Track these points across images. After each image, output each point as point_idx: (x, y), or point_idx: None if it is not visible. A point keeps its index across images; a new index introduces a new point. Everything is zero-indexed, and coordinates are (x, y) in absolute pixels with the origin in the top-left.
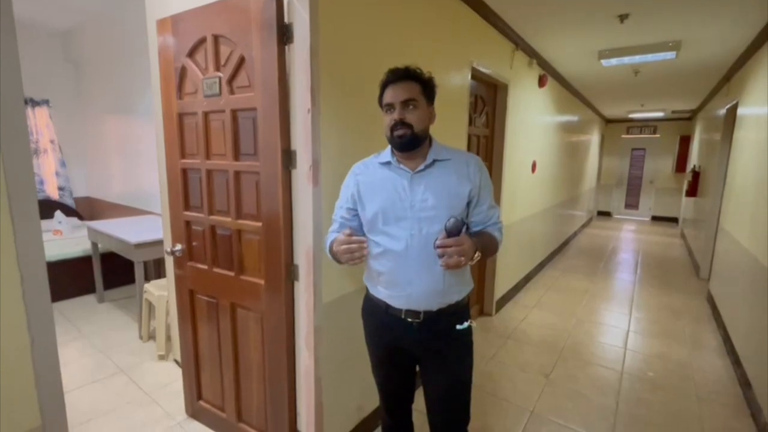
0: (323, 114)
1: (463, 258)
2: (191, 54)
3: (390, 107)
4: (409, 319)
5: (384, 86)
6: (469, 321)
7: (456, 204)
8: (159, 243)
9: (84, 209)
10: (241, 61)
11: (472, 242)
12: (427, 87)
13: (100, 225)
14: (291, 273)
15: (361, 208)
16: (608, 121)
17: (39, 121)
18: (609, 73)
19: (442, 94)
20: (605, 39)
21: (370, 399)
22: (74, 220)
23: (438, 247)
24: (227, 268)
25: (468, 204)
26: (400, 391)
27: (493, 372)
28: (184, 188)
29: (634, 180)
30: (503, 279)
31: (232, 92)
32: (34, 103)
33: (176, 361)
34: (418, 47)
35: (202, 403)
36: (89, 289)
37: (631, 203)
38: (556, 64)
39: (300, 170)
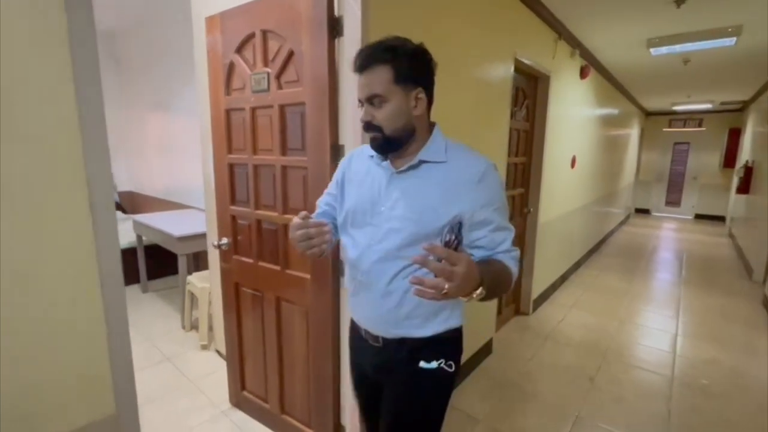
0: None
1: (448, 285)
2: (239, 50)
3: (360, 103)
4: (370, 341)
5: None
6: (440, 361)
7: (429, 221)
8: (200, 236)
9: (127, 203)
10: (290, 55)
11: (474, 270)
12: (402, 69)
13: (145, 218)
14: (338, 268)
15: (341, 200)
16: (649, 114)
17: None
18: (656, 62)
19: (484, 87)
20: (657, 25)
21: None
22: (119, 214)
23: (415, 261)
24: (273, 262)
25: (460, 224)
26: (369, 403)
27: (533, 372)
28: (230, 183)
29: (676, 176)
30: (540, 277)
31: (280, 87)
32: None
33: (218, 352)
34: (463, 38)
35: (245, 393)
36: (134, 279)
37: (673, 200)
38: (599, 53)
39: None
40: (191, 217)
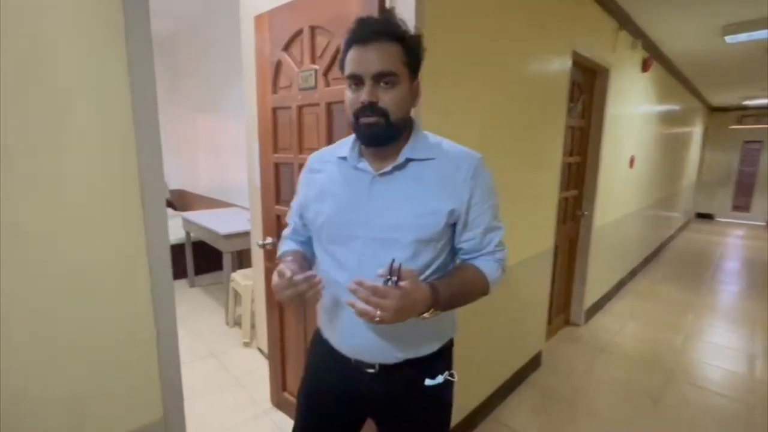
0: (423, 104)
1: (379, 313)
2: (287, 47)
3: (356, 80)
4: (361, 369)
5: (348, 45)
6: (444, 374)
7: (428, 224)
8: (245, 234)
9: (177, 200)
10: (338, 51)
11: (411, 300)
12: (413, 51)
13: (193, 216)
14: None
15: (308, 216)
16: (713, 110)
17: None
18: (731, 51)
19: (540, 81)
20: (735, 10)
21: (471, 397)
22: (169, 211)
23: (351, 289)
24: None
25: (454, 225)
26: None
27: (587, 388)
28: (275, 183)
29: (746, 177)
30: (593, 286)
31: (327, 84)
32: None
33: (260, 350)
34: (519, 30)
35: (286, 394)
36: (181, 274)
37: (741, 205)
38: (664, 44)
39: None
40: (236, 216)
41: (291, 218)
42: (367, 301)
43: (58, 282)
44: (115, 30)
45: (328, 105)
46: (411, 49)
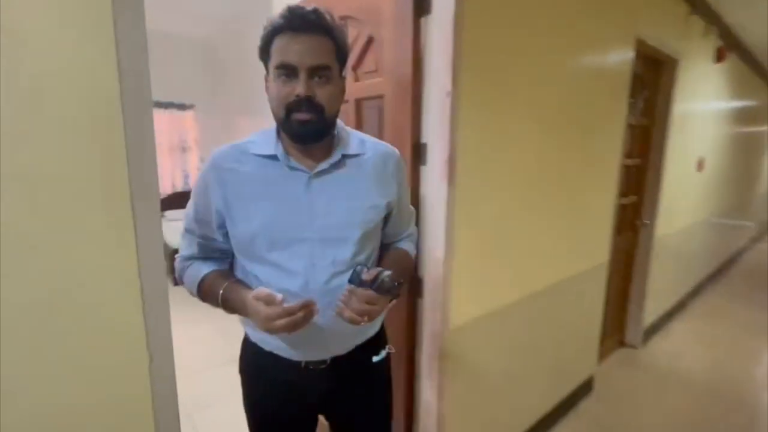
0: (462, 100)
1: (367, 318)
2: None
3: (288, 71)
4: (312, 367)
5: (275, 32)
6: (386, 348)
7: (372, 218)
8: None
9: None
10: (369, 42)
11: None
12: (342, 47)
13: None
14: (414, 287)
15: (232, 225)
16: None
17: (186, 122)
18: None
19: (597, 76)
20: None
21: (514, 425)
22: None
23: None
24: None
25: (388, 215)
26: None
27: (646, 420)
28: None
29: None
30: (653, 304)
31: (357, 79)
32: (183, 107)
33: None
34: (571, 16)
35: None
36: None
37: None
38: (743, 29)
39: (432, 166)
40: None
41: (194, 231)
42: (360, 312)
43: (26, 301)
44: (99, 6)
45: (358, 102)
46: (340, 43)
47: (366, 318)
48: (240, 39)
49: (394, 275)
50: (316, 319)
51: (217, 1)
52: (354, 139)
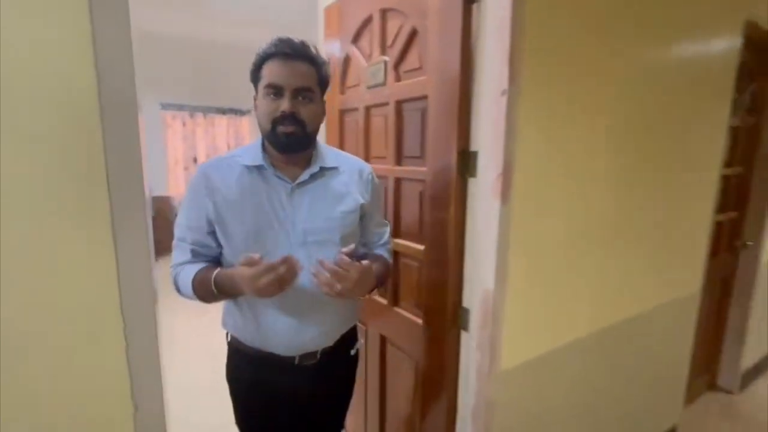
0: (521, 100)
1: (340, 286)
2: (356, 39)
3: (275, 90)
4: (305, 363)
5: (267, 57)
6: (358, 343)
7: (349, 223)
8: None
9: None
10: (412, 36)
11: (369, 275)
12: (323, 74)
13: None
14: (458, 319)
15: (222, 232)
16: None
17: (242, 127)
18: None
19: (692, 69)
20: None
21: None
22: None
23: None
24: (380, 294)
25: (361, 221)
26: None
27: None
28: None
29: None
30: (755, 340)
31: (398, 78)
32: (240, 112)
33: None
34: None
35: None
36: None
37: None
38: None
39: (482, 179)
40: None
41: (186, 238)
42: (334, 273)
43: None
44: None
45: (398, 104)
46: (323, 73)
47: (339, 286)
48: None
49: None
50: (304, 319)
51: (274, 9)
52: (330, 153)
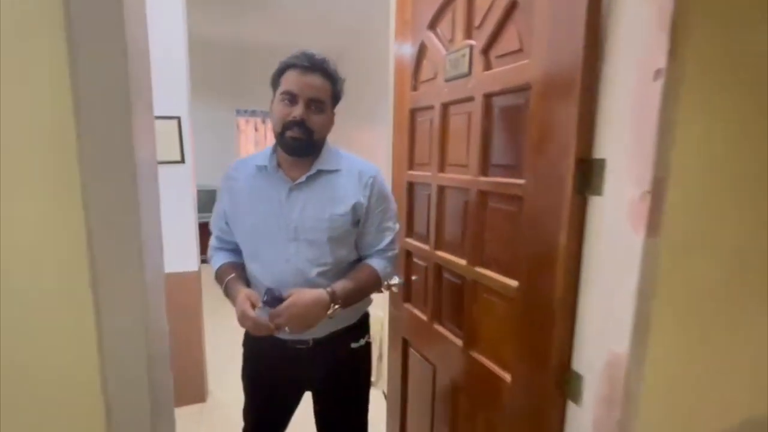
0: (684, 86)
1: (287, 328)
2: (433, 24)
3: (290, 97)
4: (297, 346)
5: (287, 67)
6: (365, 338)
7: (338, 225)
8: None
9: None
10: (510, 10)
11: (301, 309)
12: (337, 89)
13: None
14: (566, 386)
15: (231, 223)
16: None
17: None
18: None
19: None
20: None
21: None
22: None
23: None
24: (453, 332)
25: (357, 224)
26: (276, 423)
27: None
28: (408, 208)
29: None
30: None
31: (487, 66)
32: None
33: (384, 394)
34: None
35: None
36: None
37: None
38: None
39: (612, 198)
40: None
41: (215, 225)
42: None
43: None
44: None
45: (487, 98)
46: (337, 89)
47: (286, 328)
48: (364, 50)
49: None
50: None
51: (342, 14)
52: (334, 157)
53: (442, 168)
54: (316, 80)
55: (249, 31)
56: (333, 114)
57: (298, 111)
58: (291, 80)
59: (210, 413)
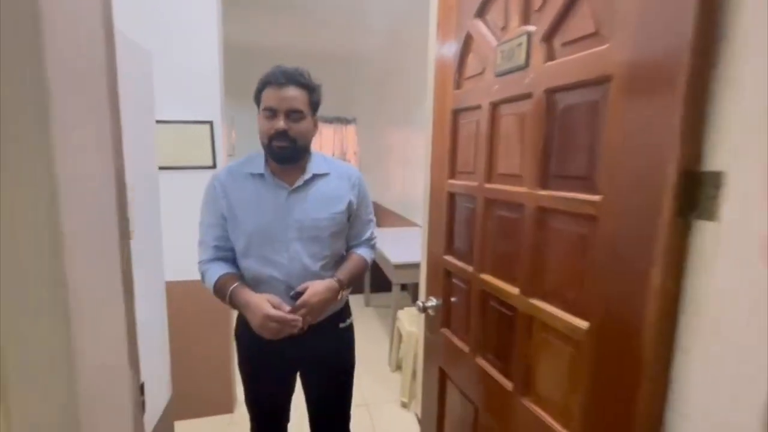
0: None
1: (307, 320)
2: (482, 10)
3: (271, 112)
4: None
5: (265, 85)
6: (350, 318)
7: (338, 221)
8: (418, 266)
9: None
10: None
11: (316, 299)
12: (314, 97)
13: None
14: None
15: (233, 228)
16: None
17: (347, 136)
18: None
19: None
20: None
21: None
22: None
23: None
24: (500, 370)
25: (349, 219)
26: (277, 407)
27: None
28: (448, 221)
29: None
30: None
31: (550, 56)
32: (346, 121)
33: (417, 417)
34: None
35: None
36: (357, 289)
37: None
38: None
39: (734, 226)
40: (417, 240)
41: (209, 235)
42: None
43: None
44: None
45: (549, 94)
46: (313, 95)
47: (302, 324)
48: (400, 52)
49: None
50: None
51: (380, 18)
52: (321, 161)
53: (489, 178)
54: (292, 92)
55: (285, 36)
56: (314, 119)
57: (279, 123)
58: (270, 96)
59: (237, 425)
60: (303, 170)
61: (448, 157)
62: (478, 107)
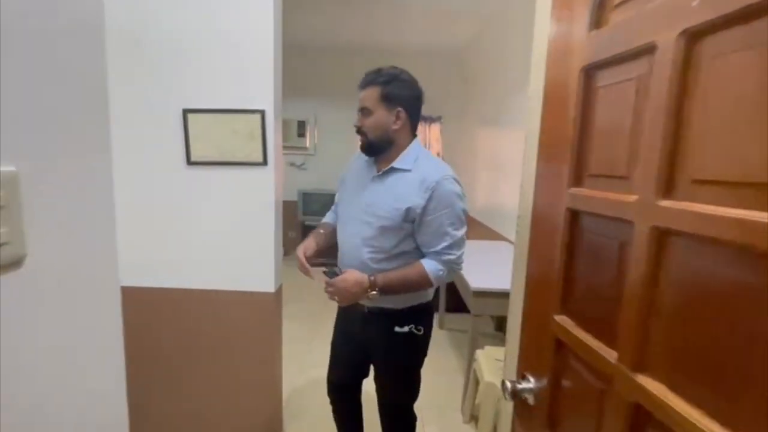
0: None
1: (337, 296)
2: None
3: (359, 110)
4: (357, 308)
5: (359, 88)
6: (409, 327)
7: (392, 218)
8: (505, 296)
9: None
10: None
11: (349, 284)
12: (387, 89)
13: None
14: None
15: (339, 196)
16: None
17: (431, 135)
18: None
19: None
20: None
21: None
22: None
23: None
24: None
25: (413, 223)
26: (349, 383)
27: None
28: (566, 259)
29: None
30: None
31: None
32: (430, 119)
33: None
34: None
35: None
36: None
37: None
38: None
39: None
40: (505, 258)
41: (333, 207)
42: (328, 287)
43: None
44: None
45: (690, 40)
46: (386, 88)
47: (334, 295)
48: (488, 50)
49: (336, 270)
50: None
51: (468, 16)
52: (410, 158)
53: (670, 187)
54: (365, 93)
55: (369, 32)
56: (392, 111)
57: (356, 120)
58: (359, 99)
59: None
60: (389, 162)
61: (571, 149)
62: (649, 48)
